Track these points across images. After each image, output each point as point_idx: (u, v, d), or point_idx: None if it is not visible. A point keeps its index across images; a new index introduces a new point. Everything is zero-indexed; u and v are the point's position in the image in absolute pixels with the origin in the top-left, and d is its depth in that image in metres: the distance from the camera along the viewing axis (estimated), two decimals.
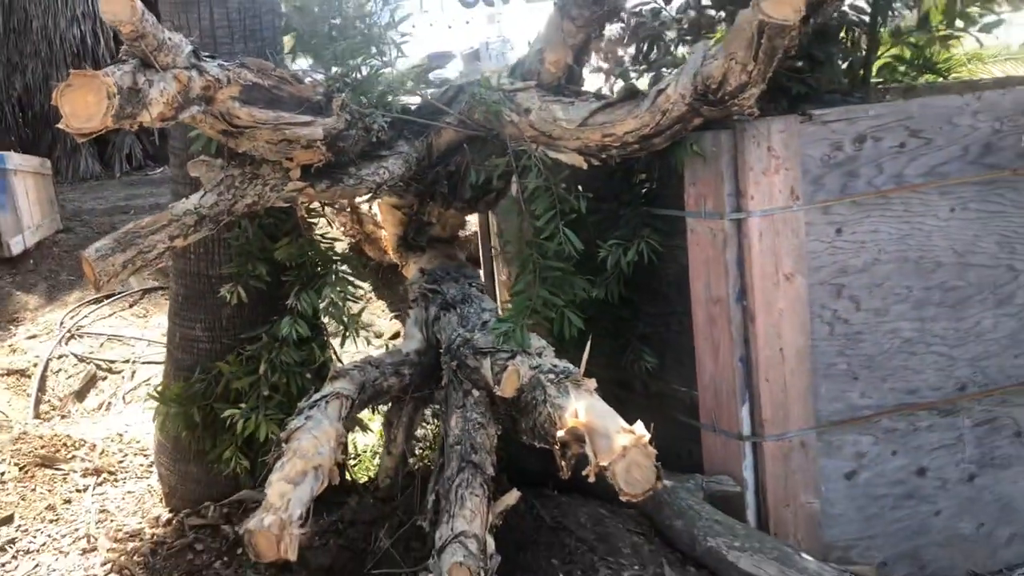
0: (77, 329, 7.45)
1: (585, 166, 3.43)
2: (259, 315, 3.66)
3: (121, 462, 4.74)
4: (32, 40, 12.53)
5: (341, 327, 3.53)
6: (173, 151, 3.83)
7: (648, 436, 2.54)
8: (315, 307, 3.39)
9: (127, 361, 6.96)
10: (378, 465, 3.84)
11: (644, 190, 3.64)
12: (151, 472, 4.58)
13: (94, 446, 4.86)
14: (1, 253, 8.37)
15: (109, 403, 6.46)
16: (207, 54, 2.70)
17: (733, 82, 2.97)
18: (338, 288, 3.44)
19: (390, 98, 3.43)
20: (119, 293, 8.27)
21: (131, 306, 8.24)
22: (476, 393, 3.25)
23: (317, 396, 3.04)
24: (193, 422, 3.54)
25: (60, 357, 7.00)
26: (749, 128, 3.15)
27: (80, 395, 6.64)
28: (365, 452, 4.27)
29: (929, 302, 3.50)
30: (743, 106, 3.08)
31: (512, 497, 3.04)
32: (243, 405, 3.37)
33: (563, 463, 2.96)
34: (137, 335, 7.42)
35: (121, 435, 5.20)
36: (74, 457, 4.68)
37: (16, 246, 8.48)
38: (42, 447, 4.65)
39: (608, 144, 3.33)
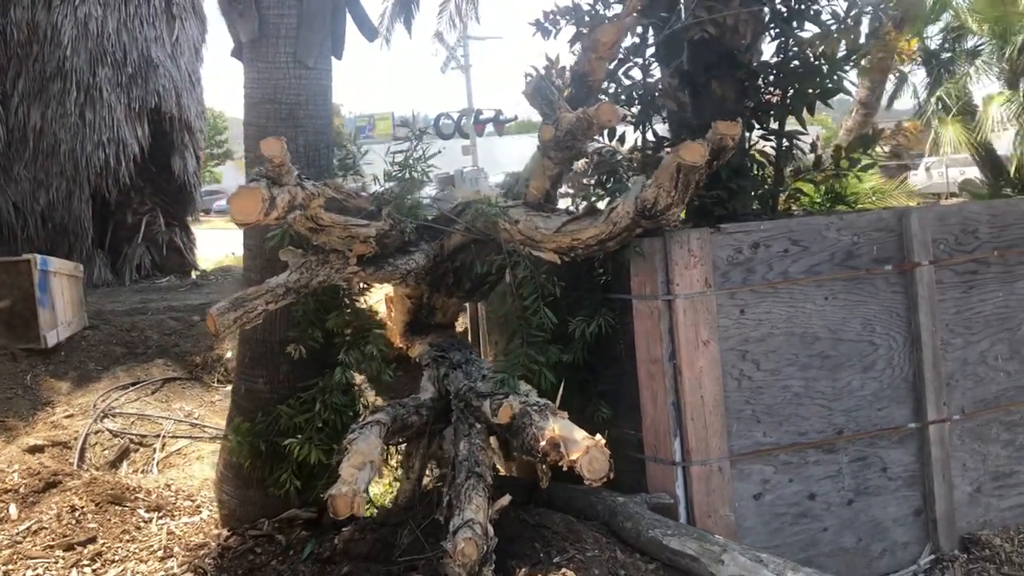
0: (110, 410, 8.46)
1: (559, 262, 4.68)
2: (310, 370, 4.79)
3: (174, 503, 5.73)
4: (59, 161, 13.87)
5: (374, 375, 4.67)
6: (248, 248, 5.03)
7: (603, 440, 3.69)
8: (358, 360, 4.54)
9: (156, 436, 7.97)
10: (398, 488, 4.90)
11: (601, 280, 4.90)
12: (200, 510, 5.58)
13: (150, 491, 5.85)
14: (39, 344, 9.40)
15: (144, 468, 7.43)
16: (305, 176, 3.96)
17: (662, 204, 4.28)
18: (379, 344, 4.61)
19: (417, 211, 4.71)
20: (142, 381, 9.38)
21: (153, 393, 9.32)
22: (478, 426, 4.39)
23: (364, 421, 4.18)
24: (258, 451, 4.62)
25: (96, 432, 7.99)
26: (676, 235, 4.46)
27: (115, 463, 7.60)
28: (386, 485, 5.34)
29: (811, 366, 4.75)
30: (669, 220, 4.39)
31: (505, 500, 4.14)
32: (299, 436, 4.47)
33: (543, 474, 4.12)
34: (163, 415, 8.47)
35: (169, 485, 6.20)
36: (136, 498, 5.66)
37: (51, 339, 9.52)
38: (111, 488, 5.64)
39: (575, 246, 4.59)
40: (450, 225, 4.89)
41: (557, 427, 3.91)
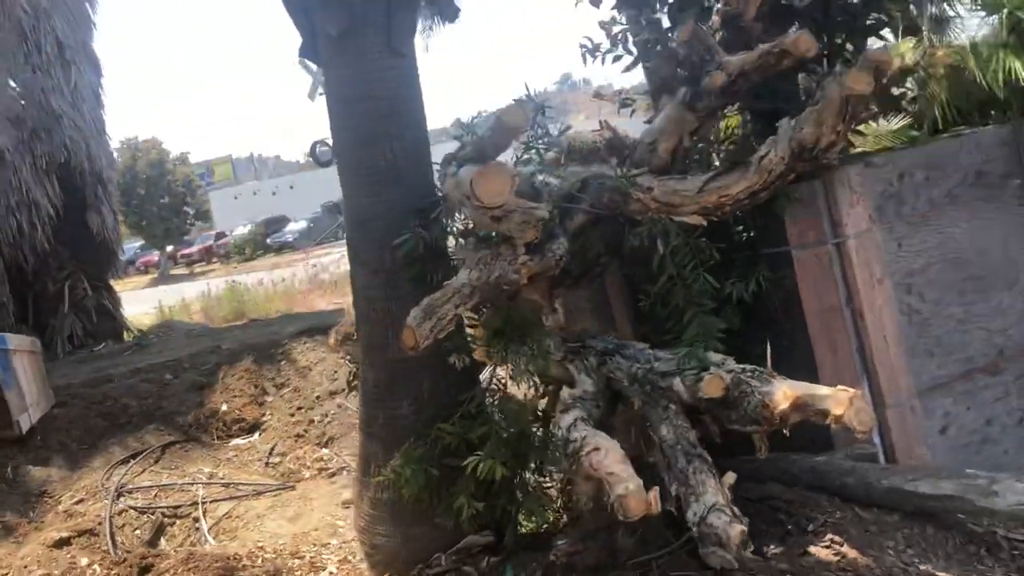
0: (123, 487, 7.61)
1: (705, 223, 4.41)
2: (453, 383, 4.35)
3: (287, 564, 5.13)
4: None
5: (544, 372, 4.26)
6: (364, 263, 4.50)
7: (860, 390, 3.45)
8: (529, 358, 4.12)
9: (192, 504, 7.21)
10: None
11: (745, 237, 4.66)
12: (324, 565, 5.02)
13: (253, 556, 5.22)
14: (12, 432, 8.38)
15: (193, 540, 6.68)
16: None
17: (824, 142, 4.07)
18: (550, 338, 4.22)
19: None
20: (141, 452, 8.51)
21: (157, 462, 8.47)
22: (672, 407, 4.06)
23: (570, 420, 3.78)
24: (431, 478, 4.13)
25: (120, 513, 7.16)
26: (837, 174, 4.26)
27: (152, 541, 6.82)
28: None
29: (967, 290, 4.66)
30: (830, 160, 4.19)
31: (730, 478, 3.83)
32: (479, 453, 4.01)
33: (762, 444, 3.84)
34: (185, 482, 7.69)
35: (260, 547, 5.56)
36: (244, 567, 5.03)
37: (24, 423, 8.50)
38: (215, 561, 4.99)
39: (723, 203, 4.32)
40: (576, 203, 4.54)
41: (789, 388, 3.64)
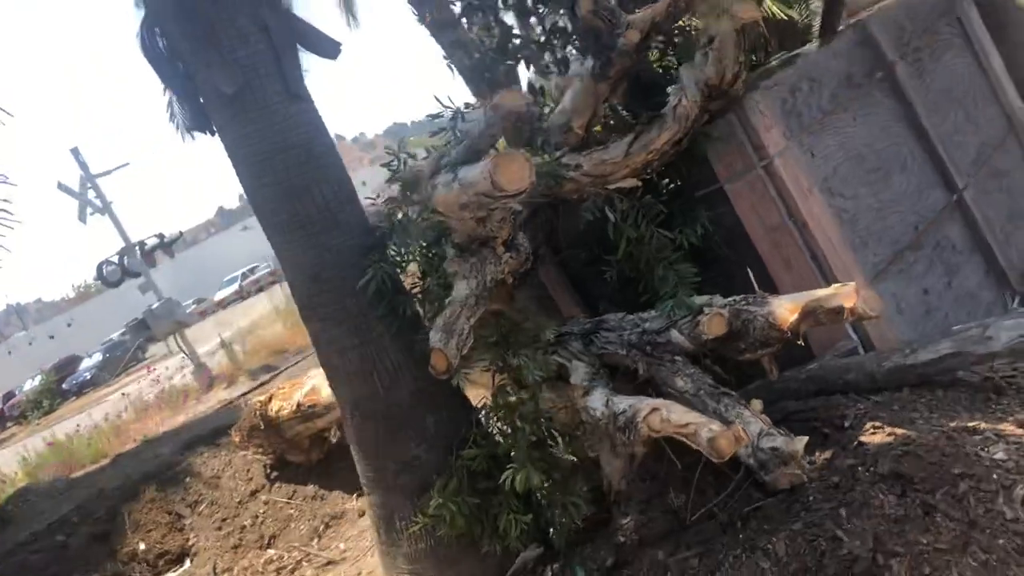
0: None
1: (639, 183, 4.52)
2: (452, 415, 4.22)
3: None
4: None
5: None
6: (322, 317, 4.24)
7: (858, 283, 3.64)
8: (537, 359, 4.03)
9: None
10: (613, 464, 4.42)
11: (671, 187, 4.79)
12: None
13: None
14: None
15: None
16: None
17: (729, 76, 4.28)
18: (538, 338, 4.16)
19: None
20: None
21: None
22: (679, 358, 4.12)
23: (601, 398, 3.75)
24: (472, 508, 3.95)
25: None
26: (747, 103, 4.48)
27: None
28: None
29: (872, 181, 5.03)
30: (737, 92, 4.41)
31: (758, 405, 3.93)
32: (512, 466, 3.88)
33: (772, 367, 3.98)
34: None
35: None
36: None
37: None
38: None
39: (651, 159, 4.45)
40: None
41: (790, 302, 3.79)
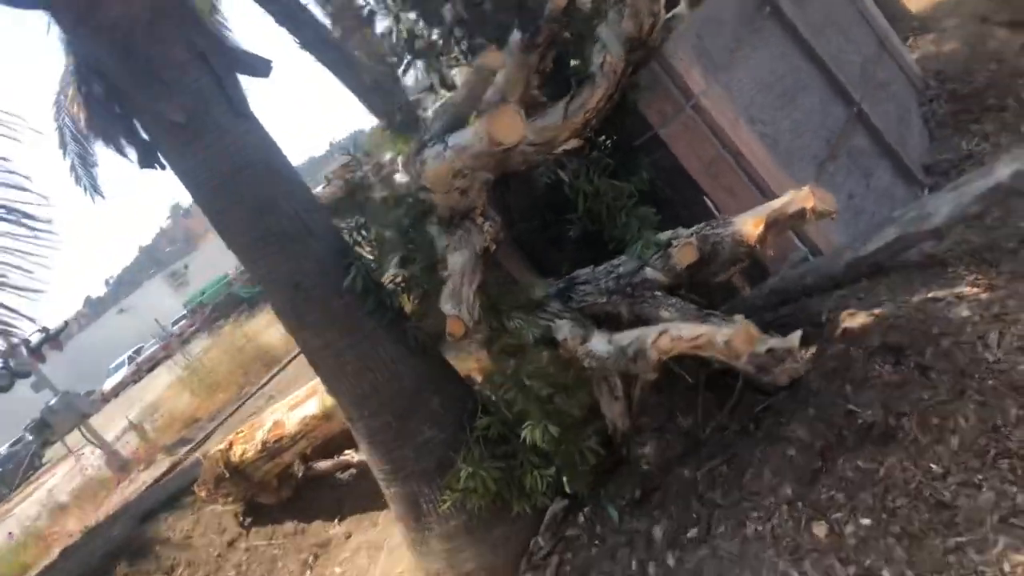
0: None
1: (582, 142, 4.74)
2: (453, 392, 4.36)
3: None
4: None
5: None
6: (309, 324, 4.28)
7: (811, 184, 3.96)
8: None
9: None
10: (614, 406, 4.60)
11: (609, 142, 5.04)
12: None
13: None
14: None
15: None
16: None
17: (647, 27, 4.56)
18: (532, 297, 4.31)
19: None
20: None
21: None
22: (658, 293, 4.36)
23: (603, 338, 3.95)
24: (487, 484, 4.06)
25: None
26: (667, 50, 4.77)
27: None
28: None
29: (783, 105, 5.42)
30: (656, 41, 4.69)
31: (740, 318, 4.21)
32: (528, 424, 4.02)
33: (744, 284, 4.29)
34: None
35: None
36: None
37: None
38: None
39: (589, 118, 4.67)
40: None
41: (752, 217, 4.09)
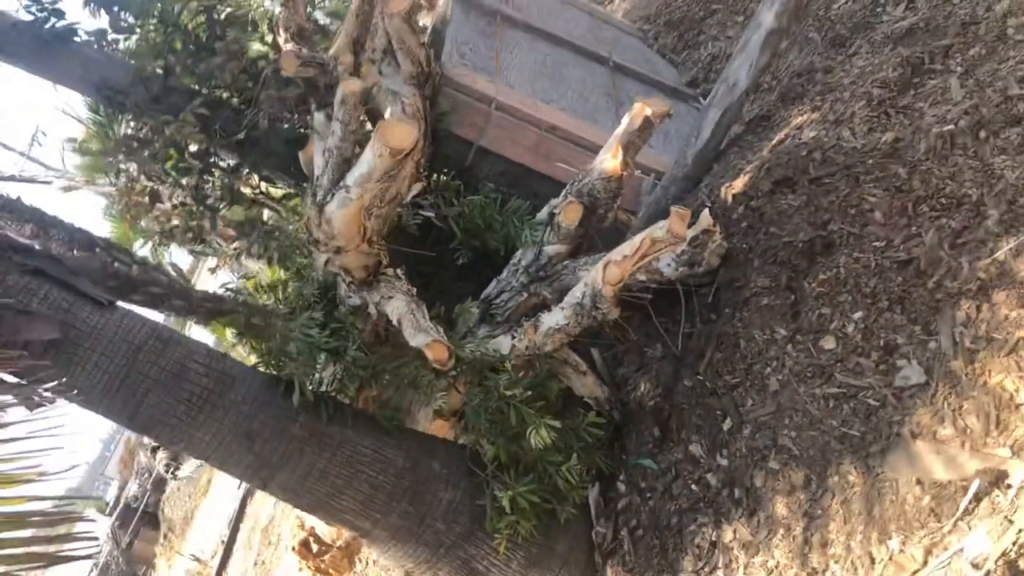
0: None
1: (423, 182, 4.89)
2: (444, 443, 4.27)
3: None
4: None
5: None
6: None
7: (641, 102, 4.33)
8: None
9: None
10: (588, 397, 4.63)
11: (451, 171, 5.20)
12: None
13: None
14: None
15: None
16: None
17: (423, 60, 4.83)
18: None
19: None
20: None
21: None
22: (566, 262, 4.53)
23: (555, 316, 4.05)
24: (529, 501, 3.98)
25: None
26: (452, 71, 5.06)
27: None
28: None
29: (563, 75, 5.86)
30: (436, 69, 4.97)
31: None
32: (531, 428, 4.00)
33: (628, 220, 4.57)
34: None
35: None
36: None
37: None
38: None
39: (418, 161, 4.84)
40: None
41: (605, 152, 4.38)
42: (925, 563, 2.89)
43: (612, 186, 4.35)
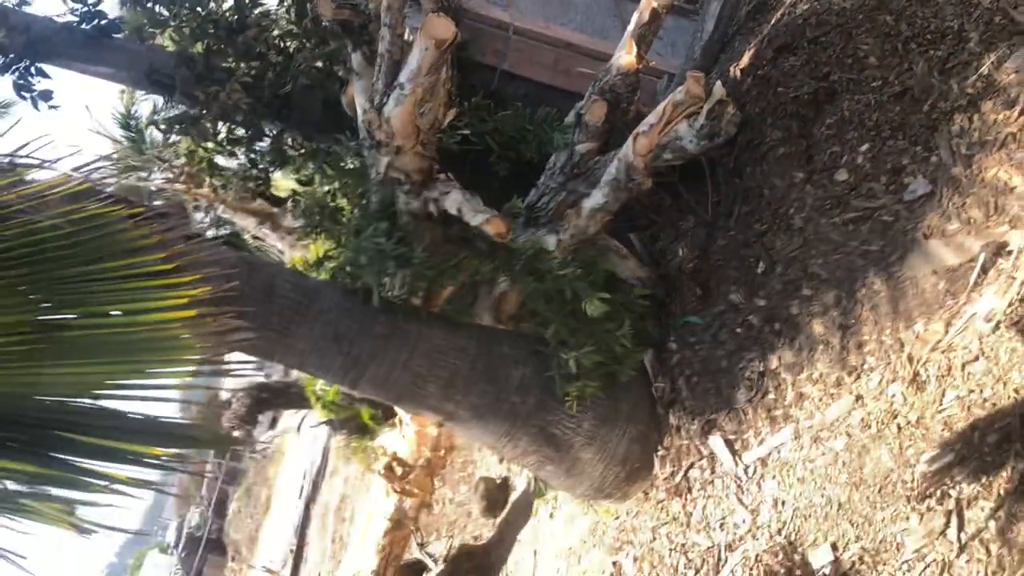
0: None
1: (457, 110, 5.33)
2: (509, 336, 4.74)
3: None
4: None
5: None
6: None
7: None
8: None
9: None
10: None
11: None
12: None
13: None
14: None
15: None
16: None
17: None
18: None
19: None
20: None
21: None
22: (597, 157, 4.96)
23: (595, 194, 4.49)
24: (593, 361, 4.44)
25: None
26: (467, 6, 5.49)
27: None
28: None
29: (567, 8, 6.28)
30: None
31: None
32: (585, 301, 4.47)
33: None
34: None
35: None
36: None
37: None
38: None
39: (449, 90, 5.30)
40: None
41: (621, 49, 4.79)
42: (946, 332, 3.31)
43: (630, 80, 4.76)
